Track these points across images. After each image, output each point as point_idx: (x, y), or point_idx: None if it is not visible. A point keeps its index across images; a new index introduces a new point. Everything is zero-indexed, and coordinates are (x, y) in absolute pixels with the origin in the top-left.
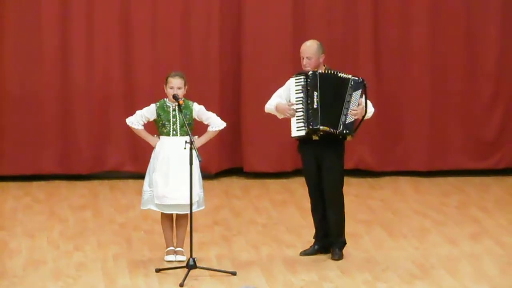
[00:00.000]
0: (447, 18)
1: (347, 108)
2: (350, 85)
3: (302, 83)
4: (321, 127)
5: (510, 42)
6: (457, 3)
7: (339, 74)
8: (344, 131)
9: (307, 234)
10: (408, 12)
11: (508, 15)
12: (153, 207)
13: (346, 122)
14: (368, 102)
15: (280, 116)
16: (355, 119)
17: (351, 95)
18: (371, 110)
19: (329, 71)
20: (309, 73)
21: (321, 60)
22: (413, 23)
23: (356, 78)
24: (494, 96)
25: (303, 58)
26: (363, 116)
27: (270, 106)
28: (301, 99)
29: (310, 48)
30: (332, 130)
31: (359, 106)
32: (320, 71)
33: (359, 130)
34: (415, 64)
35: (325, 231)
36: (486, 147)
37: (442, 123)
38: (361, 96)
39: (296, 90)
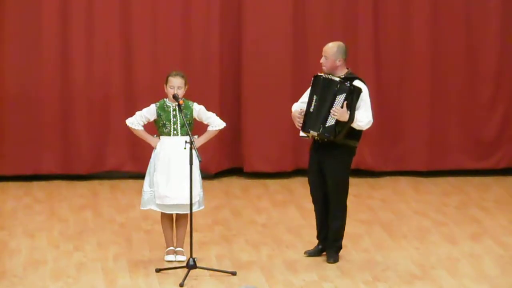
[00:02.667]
0: (447, 18)
1: (329, 111)
2: (335, 88)
3: (312, 85)
4: (311, 132)
5: (510, 42)
6: (457, 3)
7: (333, 78)
8: (325, 134)
9: (307, 234)
10: (408, 12)
11: (508, 15)
12: (154, 207)
13: (326, 125)
14: (363, 111)
15: None
16: (336, 122)
17: (335, 98)
18: (363, 120)
19: (328, 76)
20: (315, 76)
21: (338, 63)
22: (413, 23)
23: (344, 82)
24: (494, 96)
25: (322, 57)
26: (347, 121)
27: (293, 109)
28: (308, 100)
29: (328, 48)
30: (316, 133)
31: (342, 108)
32: (328, 76)
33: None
34: (415, 64)
35: (326, 233)
36: (486, 147)
37: (442, 123)
38: (345, 100)
39: (309, 91)
